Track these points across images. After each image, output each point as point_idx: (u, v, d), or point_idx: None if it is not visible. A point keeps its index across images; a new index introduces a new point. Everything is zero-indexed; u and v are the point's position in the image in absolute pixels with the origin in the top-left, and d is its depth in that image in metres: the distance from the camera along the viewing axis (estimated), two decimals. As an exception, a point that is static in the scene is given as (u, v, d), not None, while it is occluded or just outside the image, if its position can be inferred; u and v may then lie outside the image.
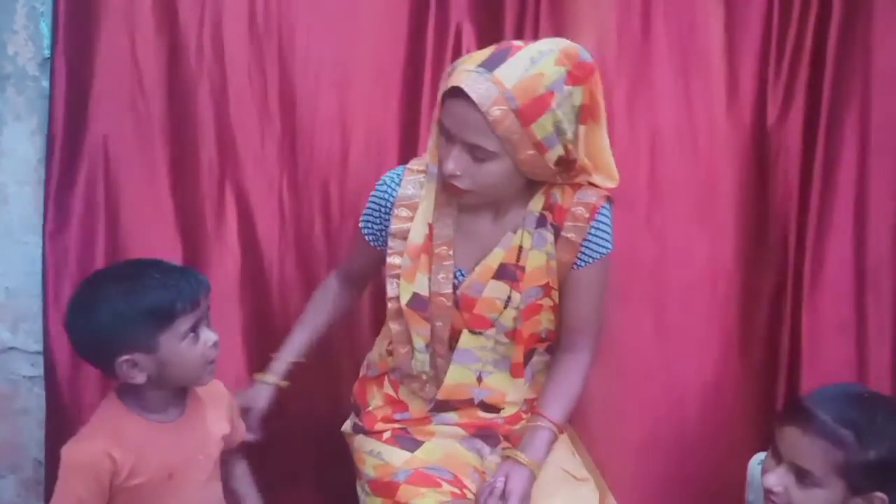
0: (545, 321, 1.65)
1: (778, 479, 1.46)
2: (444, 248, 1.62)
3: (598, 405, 1.96)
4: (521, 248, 1.61)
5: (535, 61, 1.46)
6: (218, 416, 1.59)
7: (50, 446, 2.01)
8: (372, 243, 1.72)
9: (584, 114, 1.51)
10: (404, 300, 1.63)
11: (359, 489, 1.72)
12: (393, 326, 1.67)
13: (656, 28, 1.93)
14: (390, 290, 1.65)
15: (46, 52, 1.88)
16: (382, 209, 1.67)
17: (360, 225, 1.73)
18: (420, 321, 1.64)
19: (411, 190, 1.65)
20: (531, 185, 1.59)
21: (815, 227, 1.93)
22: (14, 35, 1.88)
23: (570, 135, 1.49)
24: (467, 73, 1.46)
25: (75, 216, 1.91)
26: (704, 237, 1.97)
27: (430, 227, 1.62)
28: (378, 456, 1.69)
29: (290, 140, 1.98)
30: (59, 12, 1.84)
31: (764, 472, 1.50)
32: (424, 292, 1.62)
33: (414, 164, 1.69)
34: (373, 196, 1.70)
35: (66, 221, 1.91)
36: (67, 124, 1.88)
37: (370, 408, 1.75)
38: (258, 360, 1.86)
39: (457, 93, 1.45)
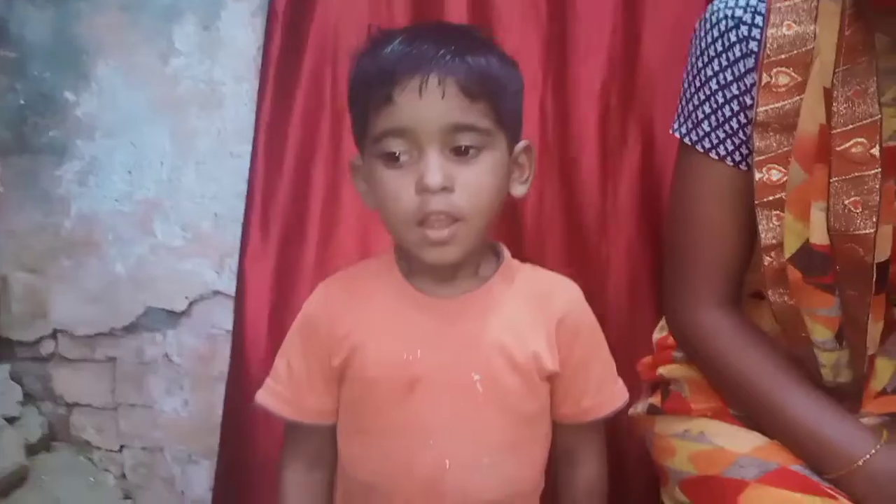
0: None
1: None
2: (863, 141, 0.88)
3: None
4: None
5: None
6: (520, 323, 0.97)
7: (228, 418, 1.60)
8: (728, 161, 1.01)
9: None
10: (788, 253, 0.97)
11: None
12: (772, 297, 1.00)
13: None
14: (763, 234, 0.98)
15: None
16: (743, 60, 0.97)
17: (694, 141, 1.02)
18: (818, 294, 0.96)
19: (793, 30, 0.93)
20: None
21: None
22: None
23: None
24: None
25: (295, 116, 1.51)
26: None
27: (827, 96, 0.91)
28: (701, 438, 1.04)
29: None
30: None
31: None
32: (823, 240, 0.94)
33: None
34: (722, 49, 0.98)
35: (283, 127, 1.53)
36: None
37: (683, 393, 1.11)
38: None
39: None
